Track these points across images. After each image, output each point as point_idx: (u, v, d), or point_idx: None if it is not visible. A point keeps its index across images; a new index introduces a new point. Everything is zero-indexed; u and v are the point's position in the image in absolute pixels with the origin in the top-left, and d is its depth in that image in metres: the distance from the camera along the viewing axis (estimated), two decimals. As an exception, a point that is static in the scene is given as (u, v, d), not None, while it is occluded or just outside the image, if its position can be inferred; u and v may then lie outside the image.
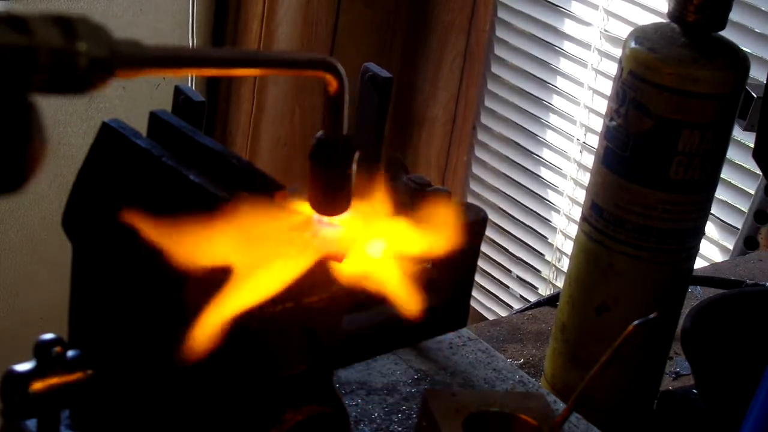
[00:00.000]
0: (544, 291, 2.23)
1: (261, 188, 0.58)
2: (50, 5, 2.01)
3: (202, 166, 0.58)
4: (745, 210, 1.64)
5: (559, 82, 2.14)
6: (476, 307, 2.33)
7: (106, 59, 0.43)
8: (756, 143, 0.90)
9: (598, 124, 2.00)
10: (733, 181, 1.87)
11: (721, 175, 0.83)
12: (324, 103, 0.55)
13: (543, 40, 2.16)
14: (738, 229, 1.72)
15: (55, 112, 2.06)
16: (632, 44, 0.79)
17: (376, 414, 0.75)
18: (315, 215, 0.57)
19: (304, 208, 0.58)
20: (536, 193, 2.22)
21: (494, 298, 2.33)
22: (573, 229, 1.90)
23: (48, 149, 0.42)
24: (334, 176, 0.56)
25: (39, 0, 2.00)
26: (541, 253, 2.23)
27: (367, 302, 0.62)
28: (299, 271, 0.56)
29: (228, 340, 0.54)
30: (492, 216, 2.23)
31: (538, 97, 2.19)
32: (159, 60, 0.47)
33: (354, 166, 0.56)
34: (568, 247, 2.13)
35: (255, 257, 0.54)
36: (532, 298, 2.13)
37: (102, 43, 0.42)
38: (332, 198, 0.56)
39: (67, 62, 0.41)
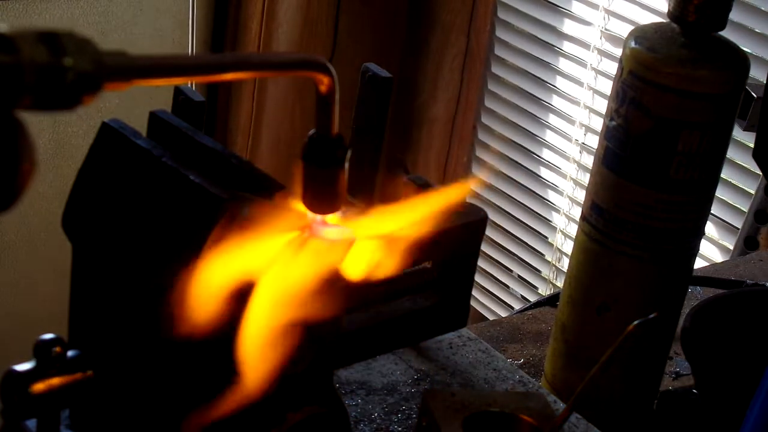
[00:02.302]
0: (544, 291, 2.23)
1: (261, 188, 0.58)
2: (50, 6, 2.01)
3: (202, 166, 0.58)
4: (745, 210, 1.64)
5: (559, 82, 2.14)
6: (476, 307, 2.33)
7: (94, 72, 0.42)
8: (756, 143, 0.90)
9: (598, 124, 2.01)
10: (733, 181, 1.87)
11: (721, 175, 0.83)
12: (315, 102, 0.55)
13: (543, 40, 2.16)
14: (738, 229, 1.72)
15: (55, 113, 2.06)
16: (632, 44, 0.79)
17: (376, 414, 0.75)
18: (310, 215, 0.57)
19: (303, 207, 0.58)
20: (536, 193, 2.22)
21: (494, 298, 2.33)
22: (573, 229, 1.90)
23: (37, 168, 0.41)
24: (325, 174, 0.56)
25: (39, 1, 2.00)
26: (541, 253, 2.23)
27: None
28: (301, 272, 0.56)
29: (227, 340, 0.54)
30: (492, 216, 2.23)
31: (538, 97, 2.19)
32: (147, 69, 0.46)
33: (346, 164, 0.56)
34: (568, 247, 2.13)
35: (259, 263, 0.55)
36: (533, 298, 2.13)
37: (89, 57, 0.42)
38: (324, 196, 0.57)
39: (54, 78, 0.41)
